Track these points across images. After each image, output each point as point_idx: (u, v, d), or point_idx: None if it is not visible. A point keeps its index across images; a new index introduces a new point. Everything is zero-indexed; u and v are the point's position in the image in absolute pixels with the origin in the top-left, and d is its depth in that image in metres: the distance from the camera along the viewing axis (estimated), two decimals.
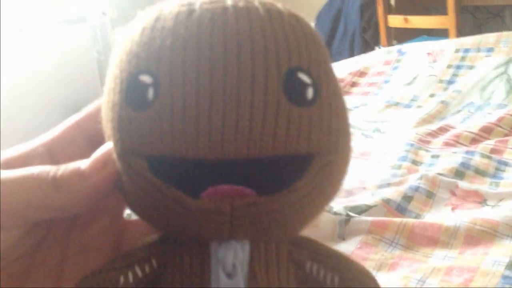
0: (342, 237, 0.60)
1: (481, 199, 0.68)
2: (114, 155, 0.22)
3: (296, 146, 0.20)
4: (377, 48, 2.19)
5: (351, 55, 2.17)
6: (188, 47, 0.20)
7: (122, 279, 0.22)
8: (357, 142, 0.93)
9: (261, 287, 0.21)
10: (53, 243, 0.25)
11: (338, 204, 0.66)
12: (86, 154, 0.23)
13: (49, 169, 0.23)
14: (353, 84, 1.22)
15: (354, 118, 1.05)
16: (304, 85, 0.20)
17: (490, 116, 0.92)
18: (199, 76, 0.19)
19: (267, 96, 0.19)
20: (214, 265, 0.21)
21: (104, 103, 0.22)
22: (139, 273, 0.22)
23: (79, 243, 0.25)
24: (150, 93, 0.20)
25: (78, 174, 0.23)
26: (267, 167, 0.20)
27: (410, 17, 2.08)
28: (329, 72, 0.22)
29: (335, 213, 0.62)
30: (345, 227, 0.61)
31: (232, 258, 0.21)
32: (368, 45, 2.37)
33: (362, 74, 1.24)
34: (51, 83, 2.12)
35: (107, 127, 0.22)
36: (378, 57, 1.27)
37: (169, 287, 0.22)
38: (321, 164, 0.21)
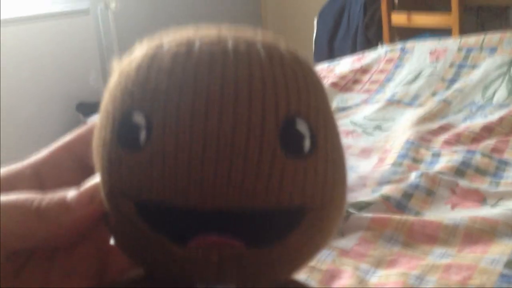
0: (341, 233, 0.61)
1: (481, 198, 0.68)
2: (102, 194, 0.21)
3: (289, 199, 0.19)
4: (379, 46, 2.19)
5: (354, 52, 2.16)
6: (184, 91, 0.19)
7: None
8: (358, 139, 0.93)
9: None
10: (35, 268, 0.24)
11: None
12: (74, 177, 0.23)
13: (34, 199, 0.22)
14: (355, 81, 1.22)
15: (355, 116, 1.05)
16: (301, 137, 0.20)
17: (491, 116, 0.92)
18: (193, 122, 0.19)
19: (262, 147, 0.19)
20: None
21: (95, 138, 0.22)
22: None
23: (62, 269, 0.25)
24: (142, 135, 0.19)
25: (63, 207, 0.22)
26: (259, 218, 0.19)
27: (413, 15, 2.07)
28: (328, 119, 0.21)
29: None
30: (344, 223, 0.61)
31: None
32: (370, 42, 2.37)
33: (364, 71, 1.24)
34: (52, 75, 2.12)
35: (97, 162, 0.21)
36: (381, 54, 1.27)
37: None
38: (314, 217, 0.20)
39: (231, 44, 0.20)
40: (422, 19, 2.06)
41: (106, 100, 0.21)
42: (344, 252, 0.57)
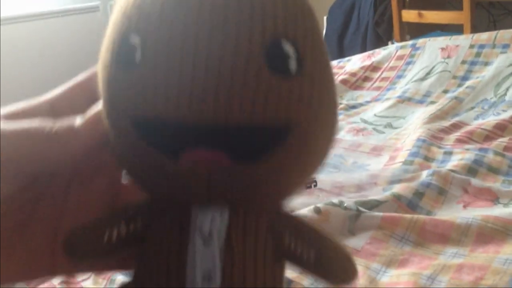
0: (352, 232, 0.60)
1: (493, 197, 0.67)
2: (103, 115, 0.23)
3: (274, 116, 0.20)
4: (390, 43, 2.18)
5: (364, 49, 2.15)
6: (176, 11, 0.20)
7: (106, 235, 0.23)
8: (368, 137, 0.92)
9: (235, 254, 0.21)
10: (52, 197, 0.26)
11: (348, 199, 0.65)
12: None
13: (45, 125, 0.24)
14: (366, 79, 1.21)
15: (366, 113, 1.05)
16: (287, 56, 0.20)
17: (504, 113, 0.91)
18: (184, 41, 0.20)
19: (249, 65, 0.20)
20: (192, 230, 0.21)
21: (99, 63, 0.23)
22: (124, 231, 0.23)
23: (76, 201, 0.27)
24: (138, 54, 0.20)
25: (72, 130, 0.24)
26: (246, 135, 0.20)
27: (424, 12, 2.06)
28: (317, 44, 0.22)
29: (346, 208, 0.62)
30: (355, 222, 0.61)
31: (209, 224, 0.21)
32: (381, 39, 2.35)
33: (375, 68, 1.23)
34: (62, 71, 2.13)
35: (99, 85, 0.23)
36: (392, 51, 1.26)
37: (149, 247, 0.23)
38: (299, 135, 0.21)
39: None
40: (433, 16, 2.04)
41: (110, 25, 0.23)
42: (355, 251, 0.57)
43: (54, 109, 0.27)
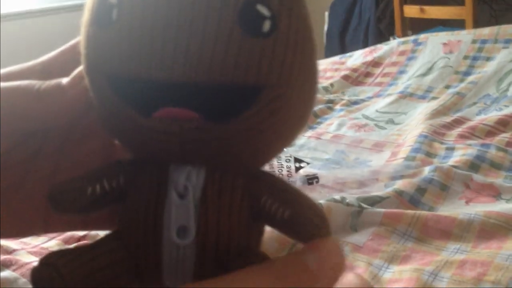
0: (355, 229, 0.60)
1: (496, 192, 0.67)
2: (83, 71, 0.23)
3: (244, 76, 0.20)
4: (391, 38, 2.17)
5: (365, 45, 2.15)
6: None
7: (89, 189, 0.23)
8: (370, 133, 0.92)
9: (210, 210, 0.22)
10: (46, 156, 0.28)
11: (350, 195, 0.65)
12: None
13: (35, 83, 0.25)
14: (367, 74, 1.21)
15: (367, 109, 1.04)
16: (261, 17, 0.20)
17: (506, 109, 0.91)
18: (157, 1, 0.20)
19: (219, 24, 0.20)
20: (169, 186, 0.22)
21: (82, 22, 0.23)
22: (106, 187, 0.24)
23: (70, 159, 0.28)
24: (114, 13, 0.21)
25: (59, 87, 0.25)
26: (217, 94, 0.20)
27: (426, 7, 2.05)
28: (295, 9, 0.22)
29: (348, 204, 0.62)
30: (357, 218, 0.61)
31: (184, 180, 0.22)
32: (382, 35, 2.35)
33: (376, 64, 1.23)
34: None
35: (81, 44, 0.23)
36: (394, 47, 1.26)
37: (129, 203, 0.23)
38: (270, 96, 0.21)
39: None
40: (435, 12, 2.04)
41: None
42: (356, 248, 0.57)
43: (46, 71, 0.28)
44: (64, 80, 0.25)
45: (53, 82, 0.25)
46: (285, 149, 0.24)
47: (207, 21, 0.20)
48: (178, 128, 0.21)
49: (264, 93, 0.21)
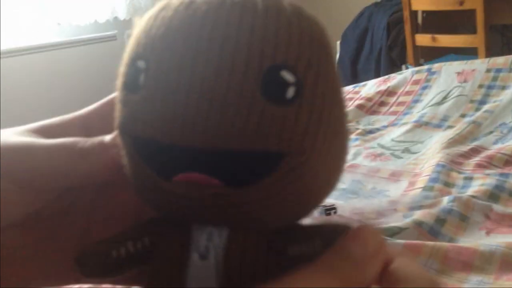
0: None
1: None
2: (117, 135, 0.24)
3: (264, 144, 0.20)
4: (404, 67, 2.18)
5: (377, 73, 2.16)
6: (178, 37, 0.21)
7: (114, 252, 0.24)
8: (386, 163, 0.92)
9: (232, 272, 0.22)
10: (79, 210, 0.28)
11: None
12: None
13: (78, 141, 0.25)
14: (382, 103, 1.21)
15: (383, 138, 1.04)
16: (285, 84, 0.20)
17: None
18: (182, 66, 0.20)
19: (241, 90, 0.20)
20: (191, 247, 0.22)
21: (117, 85, 0.24)
22: (131, 249, 0.24)
23: (103, 212, 0.28)
24: (142, 78, 0.21)
25: (101, 146, 0.25)
26: (237, 161, 0.20)
27: (438, 36, 2.06)
28: (323, 73, 0.21)
29: None
30: None
31: (206, 241, 0.22)
32: (394, 63, 2.36)
33: (390, 93, 1.23)
34: (81, 99, 2.15)
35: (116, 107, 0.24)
36: (407, 76, 1.26)
37: (155, 265, 0.23)
38: (292, 164, 0.21)
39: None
40: (447, 40, 2.05)
41: (126, 51, 0.23)
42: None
43: (86, 125, 0.28)
44: (107, 138, 0.26)
45: (96, 140, 0.26)
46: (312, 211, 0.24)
47: (229, 87, 0.20)
48: (198, 193, 0.21)
49: (285, 161, 0.20)
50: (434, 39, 2.08)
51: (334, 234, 0.22)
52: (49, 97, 2.10)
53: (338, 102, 0.22)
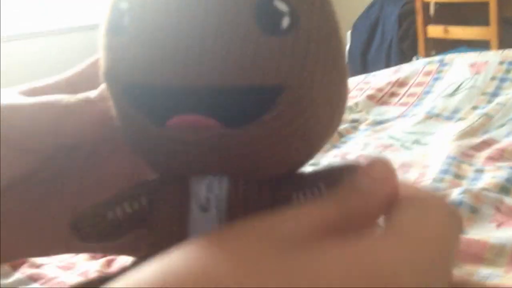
0: None
1: None
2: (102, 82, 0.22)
3: (262, 77, 0.19)
4: (414, 59, 2.16)
5: (388, 65, 2.14)
6: None
7: (110, 214, 0.23)
8: (396, 154, 0.91)
9: (237, 223, 0.20)
10: (70, 175, 0.27)
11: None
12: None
13: (63, 97, 0.25)
14: (392, 94, 1.20)
15: (393, 129, 1.04)
16: (279, 14, 0.19)
17: None
18: (169, 2, 0.19)
19: (234, 22, 0.19)
20: (190, 199, 0.21)
21: (100, 33, 0.23)
22: (128, 209, 0.23)
23: (95, 178, 0.28)
24: (126, 19, 0.20)
25: (88, 101, 0.25)
26: (234, 98, 0.19)
27: (450, 28, 2.04)
28: (318, 2, 0.20)
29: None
30: None
31: (206, 192, 0.21)
32: (405, 55, 2.34)
33: (401, 84, 1.22)
34: None
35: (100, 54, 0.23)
36: (419, 67, 1.25)
37: (153, 225, 0.22)
38: (291, 98, 0.19)
39: None
40: (459, 32, 2.03)
41: None
42: None
43: (70, 86, 0.28)
44: (93, 94, 0.25)
45: (82, 95, 0.25)
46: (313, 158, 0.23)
47: (221, 20, 0.19)
48: (194, 137, 0.20)
49: (284, 95, 0.19)
50: (446, 31, 2.06)
51: (340, 176, 0.21)
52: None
53: (336, 36, 0.21)
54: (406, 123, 1.04)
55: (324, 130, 0.22)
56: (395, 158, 0.89)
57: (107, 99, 0.23)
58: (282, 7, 0.19)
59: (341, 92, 0.22)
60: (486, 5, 1.90)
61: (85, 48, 2.19)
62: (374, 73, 1.32)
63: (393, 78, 1.24)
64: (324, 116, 0.21)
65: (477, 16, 2.18)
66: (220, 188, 0.21)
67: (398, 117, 1.10)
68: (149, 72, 0.19)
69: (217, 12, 0.19)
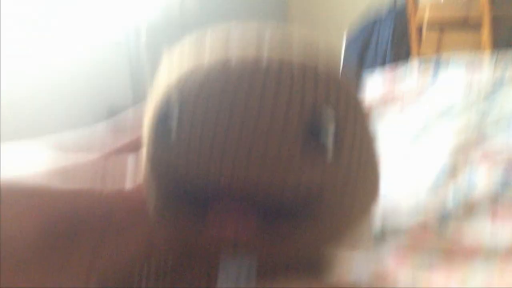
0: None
1: None
2: (145, 174, 0.24)
3: (296, 193, 0.20)
4: (410, 59, 2.17)
5: (384, 65, 2.15)
6: (215, 85, 0.21)
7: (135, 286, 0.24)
8: (392, 152, 0.91)
9: None
10: (88, 242, 0.27)
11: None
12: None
13: (97, 186, 0.26)
14: (388, 95, 1.20)
15: (389, 129, 1.04)
16: (326, 133, 0.21)
17: None
18: (219, 113, 0.20)
19: (283, 136, 0.20)
20: (219, 277, 0.22)
21: (144, 128, 0.24)
22: (152, 283, 0.24)
23: (112, 246, 0.27)
24: (176, 111, 0.21)
25: (121, 195, 0.26)
26: (272, 206, 0.21)
27: (444, 34, 2.04)
28: (358, 128, 0.22)
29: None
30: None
31: (235, 272, 0.22)
32: (400, 57, 2.35)
33: (397, 85, 1.22)
34: (82, 80, 2.15)
35: (144, 146, 0.24)
36: (415, 67, 1.25)
37: None
38: (324, 207, 0.21)
39: (264, 63, 0.21)
40: (453, 38, 2.03)
41: (154, 89, 0.23)
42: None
43: (103, 167, 0.28)
44: (127, 187, 0.26)
45: (116, 188, 0.26)
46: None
47: (271, 132, 0.20)
48: (233, 234, 0.21)
49: (319, 204, 0.21)
50: (440, 38, 2.07)
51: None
52: (49, 80, 2.09)
53: (371, 150, 0.23)
54: (403, 123, 1.04)
55: (353, 225, 0.24)
56: (392, 156, 0.89)
57: (141, 194, 0.24)
58: (330, 127, 0.21)
59: (373, 194, 0.24)
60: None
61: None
62: (370, 72, 1.32)
63: (389, 78, 1.24)
64: (356, 214, 0.24)
65: (471, 21, 2.19)
66: (250, 267, 0.22)
67: (395, 116, 1.10)
68: (195, 175, 0.21)
69: (267, 121, 0.20)
